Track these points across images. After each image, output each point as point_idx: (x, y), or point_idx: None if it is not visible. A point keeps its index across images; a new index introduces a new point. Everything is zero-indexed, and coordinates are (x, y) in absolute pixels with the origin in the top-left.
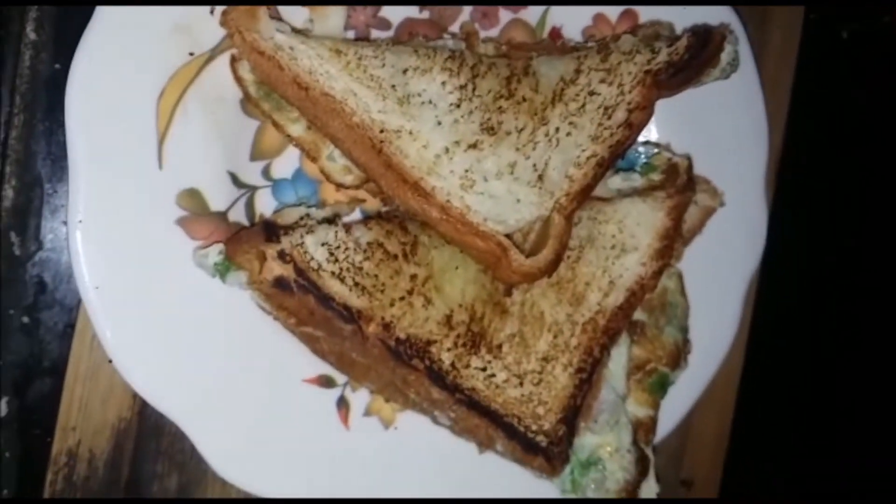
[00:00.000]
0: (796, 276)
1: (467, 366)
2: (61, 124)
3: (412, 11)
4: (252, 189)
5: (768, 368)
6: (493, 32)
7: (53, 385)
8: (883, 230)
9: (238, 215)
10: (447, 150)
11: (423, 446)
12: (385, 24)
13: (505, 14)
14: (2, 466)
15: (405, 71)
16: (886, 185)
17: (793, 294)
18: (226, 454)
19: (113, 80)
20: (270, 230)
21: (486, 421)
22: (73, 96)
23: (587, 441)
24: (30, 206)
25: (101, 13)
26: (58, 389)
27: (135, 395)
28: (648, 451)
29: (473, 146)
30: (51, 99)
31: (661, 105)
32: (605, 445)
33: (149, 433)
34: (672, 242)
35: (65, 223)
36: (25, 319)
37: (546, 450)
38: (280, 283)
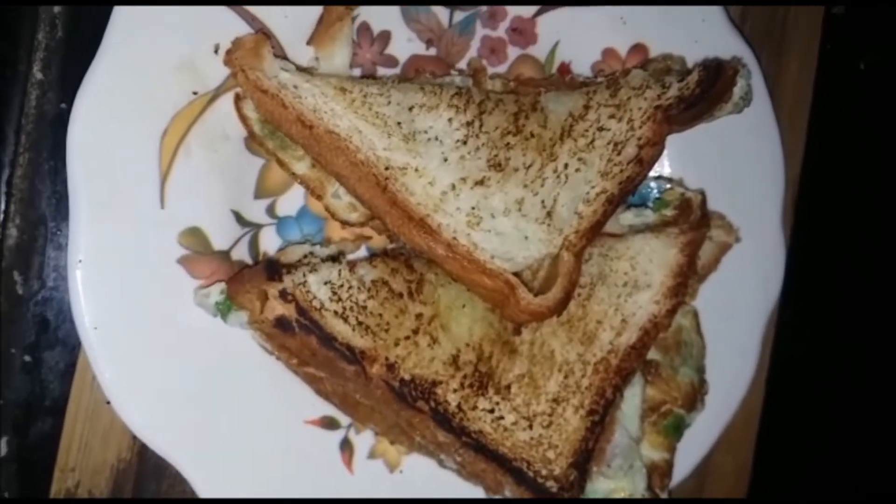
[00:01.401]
0: (816, 312)
1: (474, 407)
2: (66, 163)
3: (419, 48)
4: (256, 227)
5: (789, 407)
6: (502, 69)
7: (54, 425)
8: None
9: (241, 254)
10: (453, 186)
11: (430, 491)
12: (391, 62)
13: (513, 50)
14: None
15: (411, 108)
16: None
17: (813, 331)
18: (226, 498)
19: (115, 119)
20: (272, 269)
21: (493, 465)
22: (75, 135)
23: (600, 486)
24: (33, 245)
25: (105, 52)
26: (58, 429)
27: (135, 436)
28: (664, 496)
29: (480, 183)
30: (56, 138)
31: (674, 139)
32: (618, 491)
33: (149, 475)
34: (686, 280)
35: (67, 262)
36: (27, 358)
37: (557, 496)
38: (281, 322)
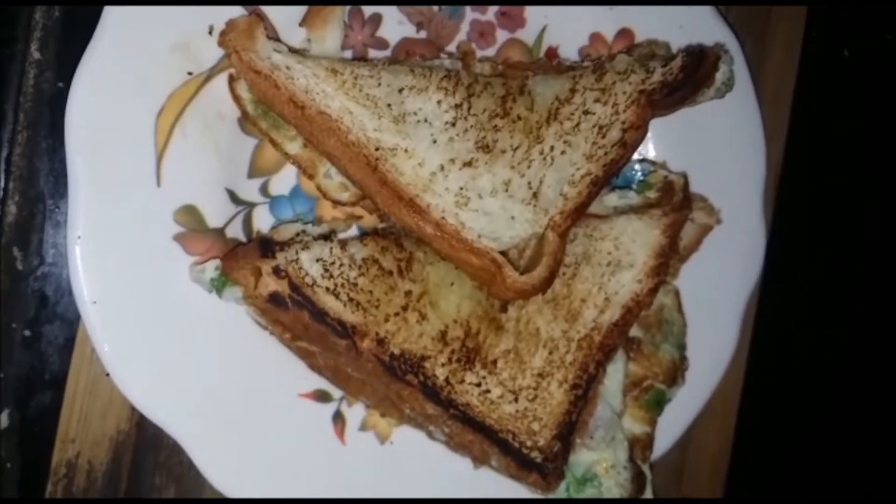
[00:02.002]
0: (796, 293)
1: (462, 381)
2: (63, 142)
3: (409, 31)
4: (250, 206)
5: (769, 384)
6: (490, 52)
7: (54, 397)
8: (884, 249)
9: (235, 232)
10: (442, 167)
11: (420, 462)
12: (382, 44)
13: (502, 34)
14: (3, 476)
15: (401, 90)
16: (888, 204)
17: (793, 311)
18: (222, 467)
19: (112, 99)
20: (266, 246)
21: (480, 437)
22: (73, 115)
23: (583, 458)
24: (32, 222)
25: (102, 33)
26: (58, 402)
27: (133, 408)
28: (645, 468)
29: (468, 164)
30: (54, 117)
31: (658, 122)
32: (601, 462)
33: (147, 446)
34: (668, 260)
35: (66, 238)
36: (27, 333)
37: (541, 466)
38: (275, 298)
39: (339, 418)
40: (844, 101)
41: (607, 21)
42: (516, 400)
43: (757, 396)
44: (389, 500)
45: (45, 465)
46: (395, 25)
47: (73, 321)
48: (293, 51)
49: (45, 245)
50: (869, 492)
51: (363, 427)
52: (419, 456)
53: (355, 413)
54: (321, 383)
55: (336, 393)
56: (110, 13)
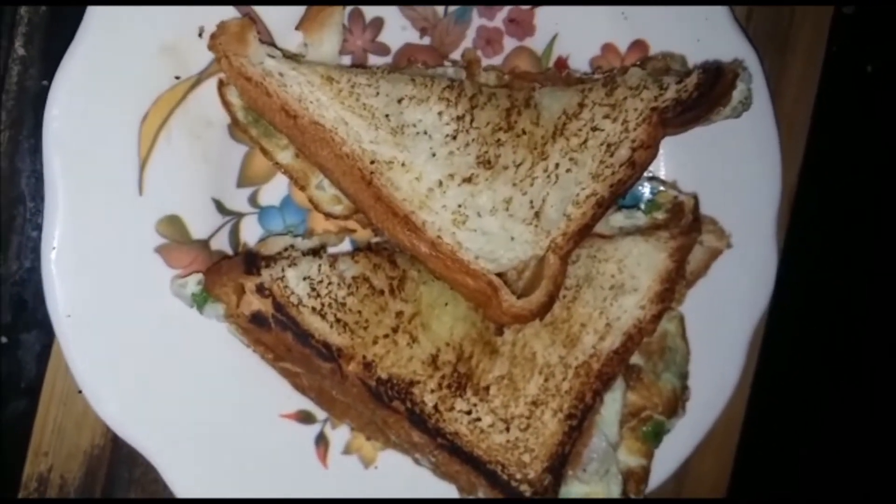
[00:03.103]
0: (805, 321)
1: (451, 409)
2: None
3: (412, 37)
4: (237, 216)
5: (772, 414)
6: (497, 61)
7: (29, 407)
8: None
9: (221, 243)
10: (440, 183)
11: (405, 488)
12: (383, 50)
13: (510, 41)
14: None
15: (400, 100)
16: None
17: (801, 340)
18: (198, 491)
19: (94, 102)
20: (251, 261)
21: (467, 467)
22: (53, 117)
23: (574, 490)
24: (12, 224)
25: (86, 32)
26: (33, 411)
27: None
28: None
29: (468, 180)
30: (37, 116)
31: (670, 140)
32: (592, 496)
33: (122, 461)
34: (674, 285)
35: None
36: (3, 339)
37: (530, 500)
38: (257, 318)
39: (322, 441)
40: (866, 119)
41: (621, 31)
42: (508, 429)
43: (759, 427)
44: None
45: (17, 478)
46: (398, 31)
47: (51, 329)
48: (287, 56)
49: (24, 249)
50: None
51: (347, 450)
52: (405, 482)
53: (339, 435)
54: (305, 404)
55: (320, 414)
56: (96, 11)
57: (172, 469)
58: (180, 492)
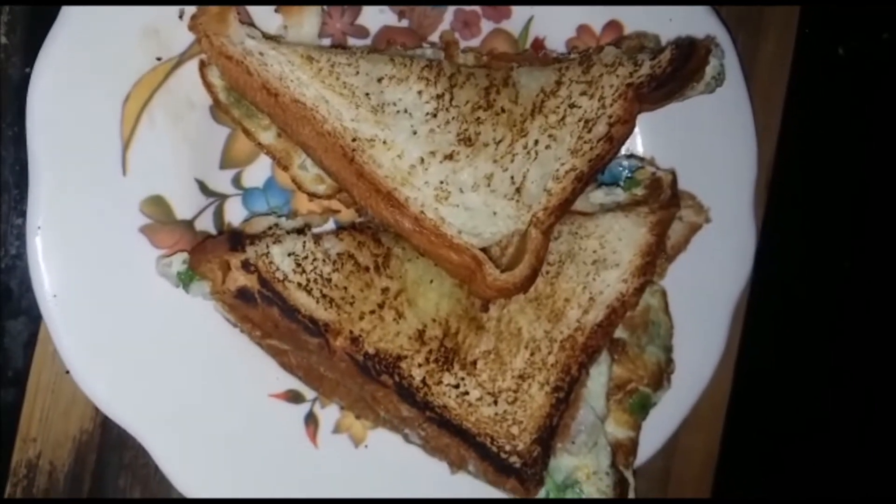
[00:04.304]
0: (787, 294)
1: (439, 382)
2: None
3: (391, 19)
4: (221, 197)
5: (759, 388)
6: (474, 42)
7: (16, 395)
8: (877, 250)
9: (206, 224)
10: (422, 160)
11: (395, 466)
12: (362, 32)
13: (487, 24)
14: None
15: (380, 79)
16: (882, 204)
17: (783, 313)
18: (188, 471)
19: (76, 84)
20: (235, 239)
21: (457, 440)
22: (35, 99)
23: (564, 463)
24: None
25: (67, 15)
26: (20, 400)
27: (98, 408)
28: (628, 475)
29: (449, 157)
30: (20, 104)
31: (647, 117)
32: (582, 468)
33: (112, 446)
34: (655, 259)
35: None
36: None
37: (520, 471)
38: (243, 293)
39: (311, 420)
40: (839, 100)
41: (595, 13)
42: (495, 402)
43: (746, 401)
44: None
45: (5, 465)
46: (376, 13)
47: (37, 316)
48: (268, 37)
49: (9, 237)
50: (859, 498)
51: (337, 429)
52: (395, 460)
53: (329, 415)
54: (294, 383)
55: (309, 394)
56: None
57: (161, 450)
58: (170, 472)
